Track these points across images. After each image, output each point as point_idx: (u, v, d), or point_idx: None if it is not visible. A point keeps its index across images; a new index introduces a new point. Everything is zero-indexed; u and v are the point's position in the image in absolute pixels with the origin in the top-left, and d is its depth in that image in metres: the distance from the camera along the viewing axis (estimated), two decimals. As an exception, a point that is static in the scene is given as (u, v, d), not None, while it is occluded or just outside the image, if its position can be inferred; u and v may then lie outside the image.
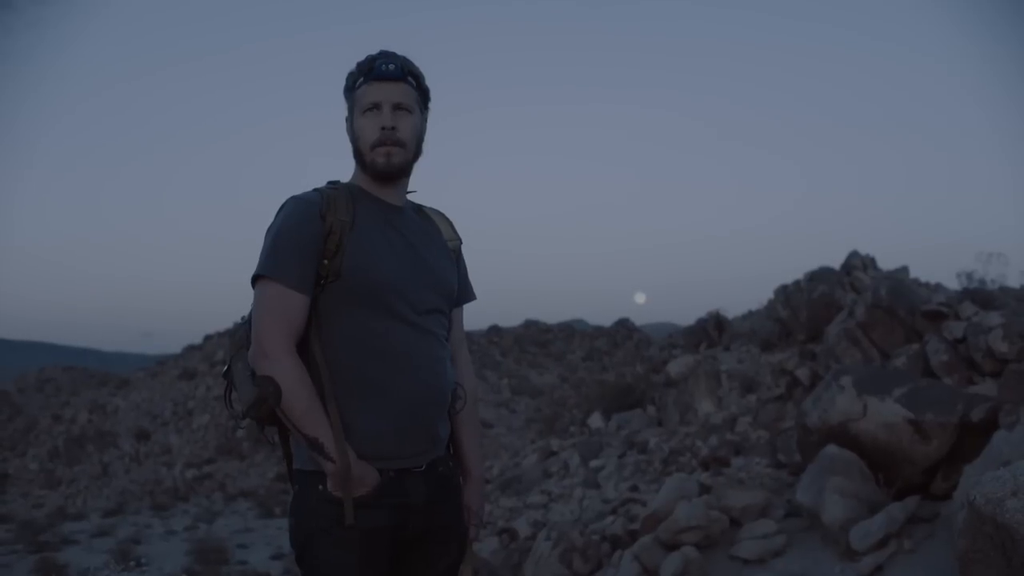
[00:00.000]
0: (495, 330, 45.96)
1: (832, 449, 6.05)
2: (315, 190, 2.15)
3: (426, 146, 2.26)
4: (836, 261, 12.64)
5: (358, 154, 2.19)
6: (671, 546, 6.32)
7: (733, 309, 16.77)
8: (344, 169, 2.30)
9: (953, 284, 11.32)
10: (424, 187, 2.33)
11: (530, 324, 47.90)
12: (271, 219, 2.14)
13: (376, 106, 2.15)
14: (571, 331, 48.06)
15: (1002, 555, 2.35)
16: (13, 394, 44.39)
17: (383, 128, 2.14)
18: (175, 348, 44.40)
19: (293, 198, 2.13)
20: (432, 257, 2.23)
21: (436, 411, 2.15)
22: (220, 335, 41.30)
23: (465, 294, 2.40)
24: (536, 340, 46.05)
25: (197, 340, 44.47)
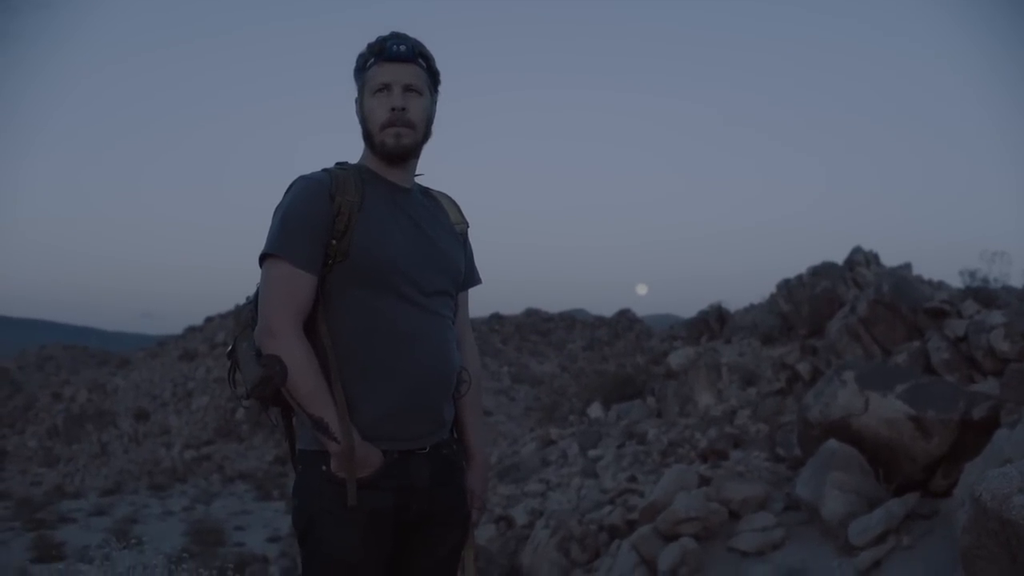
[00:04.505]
0: (496, 318, 46.03)
1: (833, 444, 6.05)
2: (324, 170, 2.14)
3: (435, 129, 2.25)
4: (839, 256, 12.62)
5: (367, 135, 2.18)
6: (669, 537, 6.33)
7: (735, 302, 16.76)
8: (345, 150, 2.28)
9: (956, 282, 11.27)
10: (428, 171, 2.32)
11: (531, 312, 47.96)
12: (277, 201, 2.13)
13: (386, 87, 2.13)
14: (572, 320, 48.12)
15: (1007, 552, 2.34)
16: (13, 371, 44.48)
17: (393, 108, 2.12)
18: (176, 329, 44.59)
19: (302, 177, 2.11)
20: (440, 239, 2.22)
21: (441, 393, 2.14)
22: (222, 316, 41.41)
23: (471, 278, 2.39)
24: (537, 328, 46.12)
25: (198, 321, 44.71)
